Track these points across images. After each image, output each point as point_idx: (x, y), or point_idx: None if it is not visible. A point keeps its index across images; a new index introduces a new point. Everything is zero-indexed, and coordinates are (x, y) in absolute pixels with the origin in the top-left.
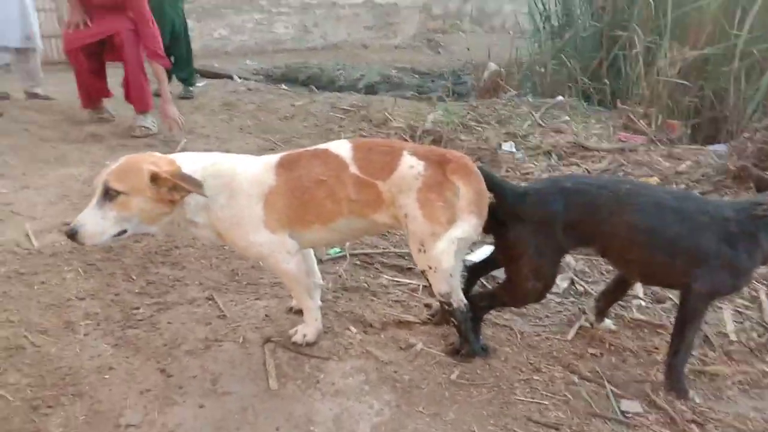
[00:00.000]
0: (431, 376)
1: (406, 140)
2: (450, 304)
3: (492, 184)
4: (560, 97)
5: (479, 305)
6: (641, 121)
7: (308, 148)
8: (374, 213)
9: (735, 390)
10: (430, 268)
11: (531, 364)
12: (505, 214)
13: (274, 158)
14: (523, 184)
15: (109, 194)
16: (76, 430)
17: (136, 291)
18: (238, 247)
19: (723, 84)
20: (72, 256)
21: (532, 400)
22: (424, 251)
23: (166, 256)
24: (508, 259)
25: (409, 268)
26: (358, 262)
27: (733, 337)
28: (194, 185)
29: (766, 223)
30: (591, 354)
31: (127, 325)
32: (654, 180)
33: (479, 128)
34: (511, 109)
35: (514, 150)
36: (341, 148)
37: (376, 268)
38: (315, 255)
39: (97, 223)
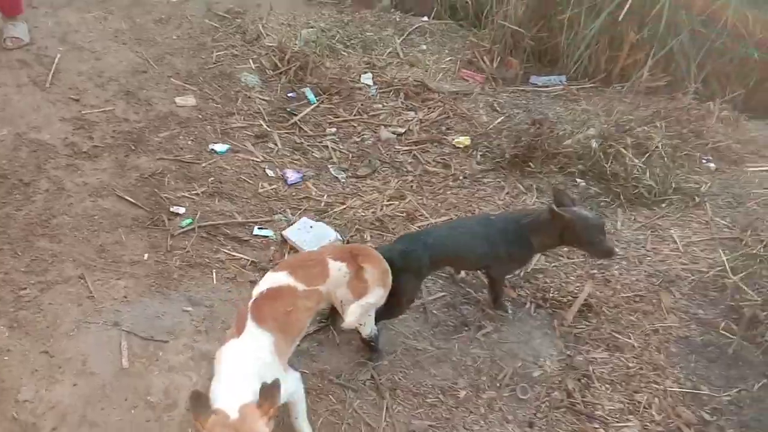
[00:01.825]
0: None
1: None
2: (370, 337)
3: (390, 257)
4: (425, 18)
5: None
6: (485, 58)
7: (261, 290)
8: (319, 304)
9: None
10: (361, 324)
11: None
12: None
13: (251, 322)
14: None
15: None
16: None
17: (23, 269)
18: None
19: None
20: None
21: None
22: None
23: (45, 227)
24: (393, 294)
25: (246, 240)
26: (204, 234)
27: None
28: (278, 396)
29: (531, 227)
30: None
31: (18, 306)
32: (466, 140)
33: (345, 53)
34: (378, 30)
35: (370, 83)
36: (283, 279)
37: (219, 240)
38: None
39: None
